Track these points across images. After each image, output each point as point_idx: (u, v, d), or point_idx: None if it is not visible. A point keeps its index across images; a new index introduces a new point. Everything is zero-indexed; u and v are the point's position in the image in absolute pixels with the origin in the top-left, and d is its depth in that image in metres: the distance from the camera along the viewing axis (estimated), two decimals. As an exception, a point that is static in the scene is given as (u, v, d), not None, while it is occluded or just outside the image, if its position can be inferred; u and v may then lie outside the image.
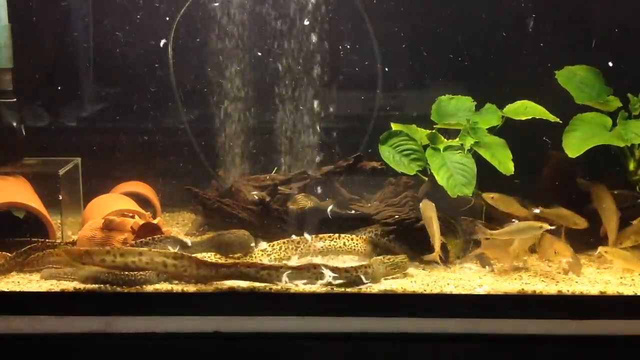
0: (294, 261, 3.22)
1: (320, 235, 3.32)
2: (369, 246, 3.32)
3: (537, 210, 3.31)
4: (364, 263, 3.04)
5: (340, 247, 3.30)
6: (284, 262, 3.20)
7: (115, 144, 4.00)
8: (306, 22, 3.72)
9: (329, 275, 2.94)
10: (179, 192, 3.89)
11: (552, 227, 3.14)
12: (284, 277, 2.94)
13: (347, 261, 3.27)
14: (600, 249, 3.21)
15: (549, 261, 3.28)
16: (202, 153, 3.95)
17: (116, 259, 2.93)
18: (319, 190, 3.67)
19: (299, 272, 2.96)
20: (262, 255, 3.23)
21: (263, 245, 3.27)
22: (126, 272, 2.95)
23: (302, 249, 3.29)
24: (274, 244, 3.29)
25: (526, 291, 2.97)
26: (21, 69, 3.65)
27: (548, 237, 3.22)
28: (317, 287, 2.94)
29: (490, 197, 3.33)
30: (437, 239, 3.14)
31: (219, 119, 3.88)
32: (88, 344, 2.90)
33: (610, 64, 3.56)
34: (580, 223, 3.32)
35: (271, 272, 2.94)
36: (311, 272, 2.95)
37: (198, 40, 3.84)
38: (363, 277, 2.96)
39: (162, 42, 3.80)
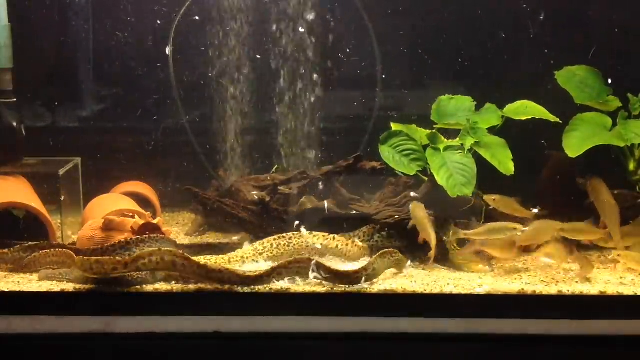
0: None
1: (315, 233, 3.30)
2: (362, 249, 3.29)
3: (535, 211, 3.31)
4: (366, 264, 3.02)
5: (332, 248, 3.27)
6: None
7: (115, 144, 4.00)
8: (306, 23, 3.72)
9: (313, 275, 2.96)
10: (179, 192, 3.89)
11: (525, 229, 3.15)
12: (286, 279, 2.96)
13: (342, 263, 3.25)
14: (614, 252, 3.21)
15: (549, 259, 3.28)
16: (202, 153, 3.95)
17: (128, 267, 2.91)
18: (319, 190, 3.67)
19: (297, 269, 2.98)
20: (254, 254, 3.22)
21: (247, 245, 3.27)
22: (123, 272, 2.94)
23: (295, 245, 3.27)
24: (264, 242, 3.24)
25: (526, 291, 2.97)
26: (21, 69, 3.65)
27: (556, 242, 3.23)
28: (317, 287, 2.95)
29: (492, 199, 3.33)
30: (433, 237, 3.16)
31: (219, 118, 3.88)
32: (88, 344, 2.90)
33: (610, 81, 3.56)
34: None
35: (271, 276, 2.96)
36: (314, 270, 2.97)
37: (198, 39, 3.84)
38: (364, 279, 2.97)
39: (168, 49, 3.81)
